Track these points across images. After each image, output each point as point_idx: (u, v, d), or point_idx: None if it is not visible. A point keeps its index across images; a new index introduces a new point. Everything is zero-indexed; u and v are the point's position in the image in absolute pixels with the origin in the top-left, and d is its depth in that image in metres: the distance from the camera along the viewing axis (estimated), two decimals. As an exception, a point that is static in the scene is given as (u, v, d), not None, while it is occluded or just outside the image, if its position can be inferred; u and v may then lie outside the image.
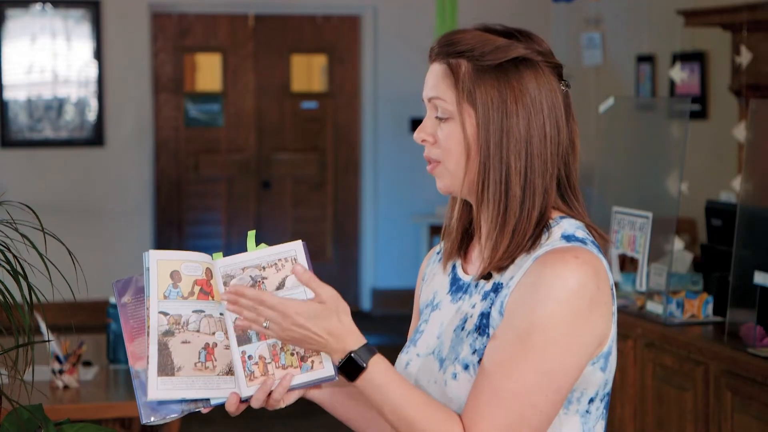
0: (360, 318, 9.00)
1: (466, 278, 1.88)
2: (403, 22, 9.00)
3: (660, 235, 4.43)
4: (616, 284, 4.81)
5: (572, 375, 1.72)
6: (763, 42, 5.59)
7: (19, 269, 2.36)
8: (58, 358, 3.98)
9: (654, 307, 4.44)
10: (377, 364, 1.75)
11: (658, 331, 4.33)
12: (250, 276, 1.89)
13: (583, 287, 1.71)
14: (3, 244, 2.39)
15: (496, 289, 1.80)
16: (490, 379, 1.71)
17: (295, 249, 1.91)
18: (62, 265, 2.36)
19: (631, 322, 4.47)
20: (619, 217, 4.58)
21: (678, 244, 4.57)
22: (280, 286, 1.88)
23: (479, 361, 1.76)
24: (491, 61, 1.79)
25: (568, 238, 1.78)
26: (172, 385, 1.82)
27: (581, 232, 1.80)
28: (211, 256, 1.92)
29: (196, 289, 1.88)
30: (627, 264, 5.05)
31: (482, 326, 1.78)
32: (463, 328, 1.82)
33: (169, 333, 1.84)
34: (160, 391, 1.82)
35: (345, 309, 1.78)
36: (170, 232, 9.05)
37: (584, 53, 8.42)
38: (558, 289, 1.70)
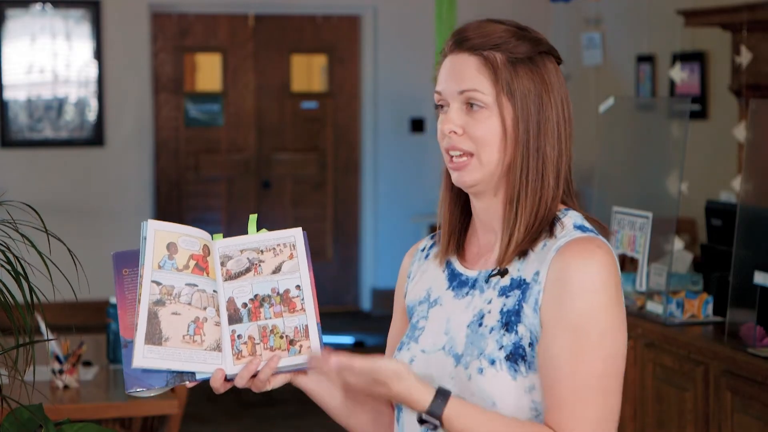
0: (360, 318, 8.99)
1: (470, 273, 1.89)
2: (403, 22, 9.00)
3: (660, 235, 4.43)
4: (616, 284, 4.81)
5: (625, 353, 1.79)
6: (763, 42, 5.59)
7: (19, 269, 2.36)
8: (58, 358, 3.98)
9: (654, 307, 4.44)
10: (451, 416, 1.75)
11: (658, 331, 4.33)
12: (248, 258, 1.92)
13: (610, 275, 1.77)
14: (3, 244, 2.39)
15: (519, 285, 1.81)
16: (564, 381, 1.74)
17: (294, 235, 1.94)
18: (62, 265, 2.36)
19: (631, 322, 4.47)
20: (619, 217, 4.58)
21: (678, 244, 4.56)
22: (276, 270, 1.91)
23: (506, 357, 1.78)
24: (524, 53, 1.83)
25: (581, 228, 1.83)
26: (159, 354, 1.82)
27: (587, 223, 1.86)
28: (211, 236, 1.94)
29: (192, 263, 1.88)
30: (627, 264, 5.04)
31: (510, 323, 1.80)
32: (481, 324, 1.82)
33: (160, 303, 1.84)
34: (147, 359, 1.81)
35: (398, 374, 1.76)
36: (170, 232, 9.04)
37: (584, 53, 8.42)
38: (592, 280, 1.75)
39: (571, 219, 1.84)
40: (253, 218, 1.95)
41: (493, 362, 1.78)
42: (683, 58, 6.79)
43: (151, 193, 8.85)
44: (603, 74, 8.28)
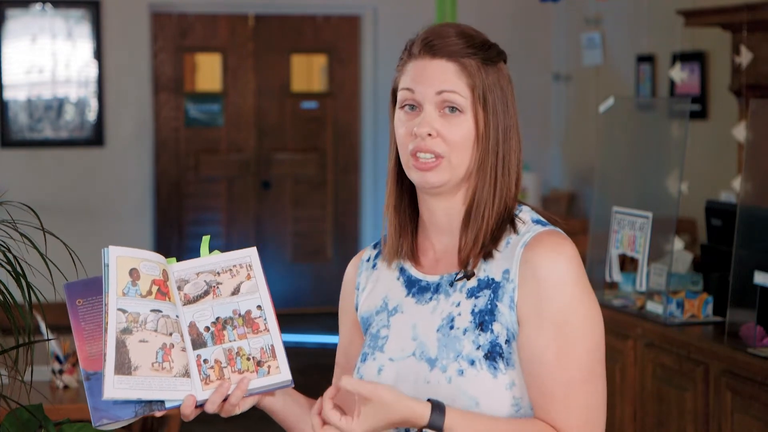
0: (360, 318, 8.99)
1: (431, 279, 1.90)
2: (403, 22, 8.99)
3: (660, 235, 4.43)
4: (617, 284, 4.82)
5: (603, 339, 1.83)
6: (763, 42, 5.59)
7: (19, 269, 2.36)
8: (58, 358, 3.98)
9: (654, 307, 4.44)
10: (452, 425, 1.72)
11: (658, 331, 4.33)
12: (205, 281, 1.89)
13: (579, 267, 1.82)
14: (3, 244, 2.39)
15: (489, 284, 1.83)
16: (554, 376, 1.77)
17: (250, 255, 1.91)
18: (62, 265, 2.36)
19: (631, 322, 4.47)
20: (619, 217, 4.58)
21: (678, 244, 4.56)
22: (235, 291, 1.89)
23: (485, 356, 1.80)
24: (495, 60, 1.88)
25: (539, 222, 1.88)
26: (129, 384, 1.77)
27: (542, 217, 1.90)
28: (166, 260, 1.90)
29: (154, 288, 1.85)
30: (627, 264, 5.04)
31: (485, 322, 1.82)
32: (452, 327, 1.84)
33: (127, 331, 1.80)
34: (117, 390, 1.77)
35: (393, 401, 1.71)
36: (170, 232, 9.04)
37: (584, 53, 8.42)
38: (566, 271, 1.79)
39: (527, 214, 1.88)
40: (205, 239, 1.92)
41: (472, 362, 1.80)
42: (683, 58, 6.79)
43: (151, 193, 8.84)
44: (603, 74, 8.28)
